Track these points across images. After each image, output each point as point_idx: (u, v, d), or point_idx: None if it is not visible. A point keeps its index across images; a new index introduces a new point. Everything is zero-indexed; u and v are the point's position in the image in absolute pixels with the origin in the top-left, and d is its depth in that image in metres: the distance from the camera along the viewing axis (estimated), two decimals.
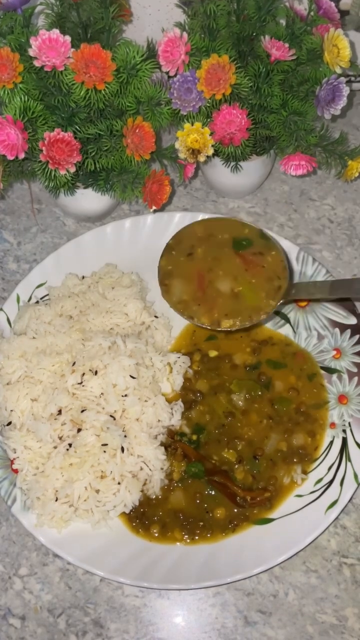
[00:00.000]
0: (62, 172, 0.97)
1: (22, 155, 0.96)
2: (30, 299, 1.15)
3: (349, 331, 1.10)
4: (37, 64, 0.93)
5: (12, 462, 0.98)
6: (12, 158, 0.96)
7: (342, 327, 1.11)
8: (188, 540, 0.95)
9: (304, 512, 0.96)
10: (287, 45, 0.99)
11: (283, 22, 1.06)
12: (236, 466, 1.00)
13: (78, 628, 0.93)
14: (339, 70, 1.00)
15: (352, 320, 1.11)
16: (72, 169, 0.98)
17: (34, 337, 1.04)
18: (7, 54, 0.93)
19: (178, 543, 0.95)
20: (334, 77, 0.99)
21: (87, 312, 1.07)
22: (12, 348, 1.03)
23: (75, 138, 0.97)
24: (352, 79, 1.37)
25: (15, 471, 0.98)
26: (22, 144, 0.95)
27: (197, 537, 0.95)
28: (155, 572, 0.92)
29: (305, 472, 1.00)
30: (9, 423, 1.00)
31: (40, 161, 0.97)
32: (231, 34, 1.04)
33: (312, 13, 1.03)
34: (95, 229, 1.21)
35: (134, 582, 0.91)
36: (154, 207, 1.06)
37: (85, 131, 1.01)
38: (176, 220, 1.22)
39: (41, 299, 1.15)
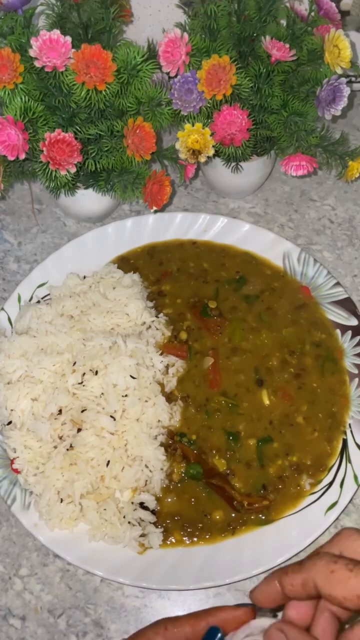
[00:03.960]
0: (63, 173, 0.98)
1: (22, 156, 0.96)
2: (31, 298, 1.15)
3: (349, 332, 1.10)
4: (37, 64, 0.93)
5: (12, 461, 0.98)
6: (12, 158, 0.96)
7: (343, 329, 1.11)
8: (187, 542, 0.95)
9: (303, 513, 0.96)
10: (287, 45, 0.99)
11: (284, 22, 1.06)
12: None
13: (78, 628, 0.93)
14: (339, 71, 1.00)
15: (353, 322, 1.11)
16: (73, 170, 0.98)
17: (34, 337, 1.04)
18: (7, 55, 0.93)
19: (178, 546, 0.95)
20: (335, 77, 0.99)
21: (88, 312, 1.07)
22: (13, 347, 1.03)
23: (76, 138, 0.97)
24: (353, 79, 1.37)
25: (16, 471, 0.98)
26: (23, 144, 0.95)
27: (196, 539, 0.95)
28: (155, 572, 0.92)
29: (316, 480, 0.98)
30: (9, 422, 1.00)
31: (40, 162, 0.97)
32: (232, 34, 1.04)
33: (312, 14, 1.03)
34: (97, 229, 1.21)
35: (134, 582, 0.91)
36: (154, 208, 1.06)
37: (85, 132, 1.01)
38: (177, 221, 1.22)
39: (42, 298, 1.15)
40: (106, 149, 1.05)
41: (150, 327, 1.09)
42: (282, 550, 0.92)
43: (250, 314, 1.12)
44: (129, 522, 0.93)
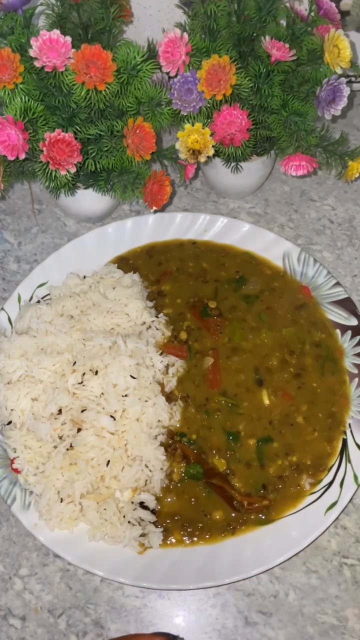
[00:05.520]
0: (63, 173, 0.97)
1: (22, 156, 0.96)
2: (31, 298, 1.15)
3: (349, 332, 1.10)
4: (37, 64, 0.93)
5: (12, 461, 0.98)
6: (12, 158, 0.96)
7: (343, 329, 1.11)
8: (187, 542, 0.95)
9: (303, 513, 0.96)
10: (287, 45, 0.99)
11: (283, 22, 1.06)
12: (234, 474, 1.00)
13: (78, 628, 0.93)
14: (339, 71, 1.00)
15: (353, 322, 1.11)
16: (73, 170, 0.98)
17: (34, 337, 1.04)
18: (7, 55, 0.93)
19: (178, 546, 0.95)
20: (335, 77, 0.99)
21: (88, 312, 1.07)
22: (13, 347, 1.03)
23: (76, 138, 0.97)
24: (353, 79, 1.37)
25: (16, 471, 0.98)
26: (23, 144, 0.95)
27: (196, 539, 0.95)
28: (155, 572, 0.92)
29: (316, 480, 0.98)
30: (9, 422, 1.00)
31: (40, 162, 0.97)
32: (232, 34, 1.04)
33: (312, 13, 1.03)
34: (97, 229, 1.21)
35: (134, 582, 0.91)
36: (154, 208, 1.06)
37: (85, 132, 1.01)
38: (177, 221, 1.23)
39: (42, 298, 1.15)
40: (106, 149, 1.05)
41: (150, 327, 1.09)
42: (282, 550, 0.92)
43: (250, 314, 1.12)
44: (129, 522, 0.93)
